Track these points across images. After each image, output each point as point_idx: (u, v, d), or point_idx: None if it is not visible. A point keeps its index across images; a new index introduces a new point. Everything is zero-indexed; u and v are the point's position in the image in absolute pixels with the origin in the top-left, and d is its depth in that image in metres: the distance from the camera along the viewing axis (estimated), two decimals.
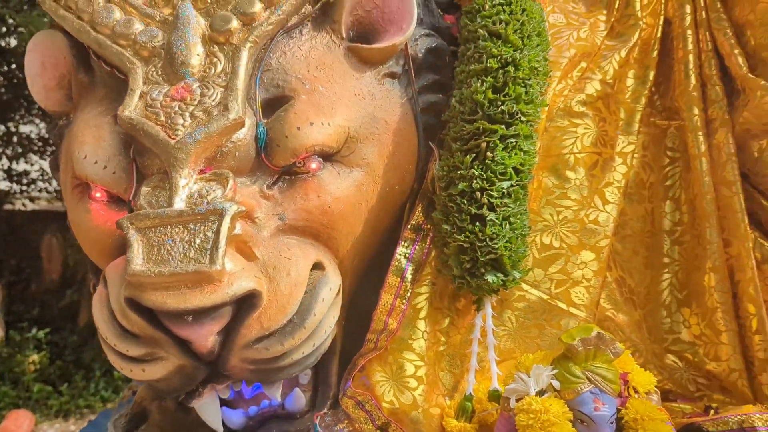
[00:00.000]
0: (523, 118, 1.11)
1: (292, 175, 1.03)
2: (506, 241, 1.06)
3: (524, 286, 1.15)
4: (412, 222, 1.17)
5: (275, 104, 1.04)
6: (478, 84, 1.11)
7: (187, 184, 0.94)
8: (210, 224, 0.90)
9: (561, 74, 1.25)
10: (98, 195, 1.05)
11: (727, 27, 1.21)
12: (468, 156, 1.09)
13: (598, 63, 1.28)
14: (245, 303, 0.92)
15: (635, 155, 1.25)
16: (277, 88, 1.05)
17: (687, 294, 1.21)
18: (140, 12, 1.08)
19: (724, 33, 1.20)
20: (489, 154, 1.08)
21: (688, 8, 1.26)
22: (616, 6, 1.33)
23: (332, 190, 1.04)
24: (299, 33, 1.10)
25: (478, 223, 1.06)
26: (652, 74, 1.28)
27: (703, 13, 1.24)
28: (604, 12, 1.34)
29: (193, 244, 0.89)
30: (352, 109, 1.08)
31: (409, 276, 1.14)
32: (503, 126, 1.10)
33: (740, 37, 1.20)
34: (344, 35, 1.12)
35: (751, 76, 1.15)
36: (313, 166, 1.02)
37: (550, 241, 1.18)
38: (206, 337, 0.89)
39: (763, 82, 1.13)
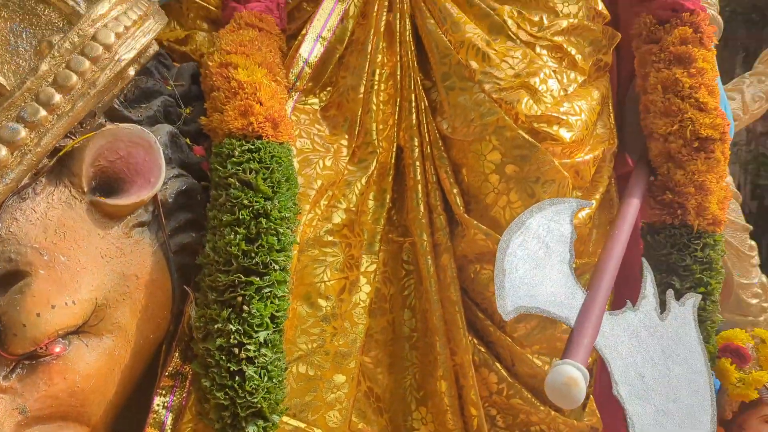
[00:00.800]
0: (276, 267, 1.17)
1: (33, 359, 0.96)
2: (265, 392, 1.12)
3: (284, 417, 1.22)
4: (170, 369, 1.17)
5: (9, 281, 0.96)
6: (232, 236, 1.14)
7: None
8: None
9: (310, 205, 1.34)
10: None
11: (447, 165, 1.39)
12: (225, 310, 1.12)
13: (343, 191, 1.39)
14: None
15: (377, 273, 1.39)
16: (9, 263, 0.96)
17: (424, 394, 1.39)
18: None
19: (445, 170, 1.39)
20: (245, 307, 1.12)
21: (416, 141, 1.42)
22: (356, 132, 1.45)
23: (81, 369, 1.00)
24: (33, 192, 1.02)
25: (237, 378, 1.10)
26: (388, 197, 1.43)
27: (428, 147, 1.41)
28: (346, 137, 1.45)
29: None
30: (100, 274, 1.04)
31: (168, 428, 1.14)
32: (258, 277, 1.14)
33: (457, 174, 1.39)
34: (86, 189, 1.06)
35: (466, 216, 1.35)
36: (57, 349, 0.97)
37: (305, 369, 1.27)
38: None
39: (475, 222, 1.34)
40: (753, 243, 2.17)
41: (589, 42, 1.48)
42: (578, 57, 1.44)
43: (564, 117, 1.32)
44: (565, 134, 1.31)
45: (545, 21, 1.43)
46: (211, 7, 1.55)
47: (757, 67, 2.55)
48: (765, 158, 5.75)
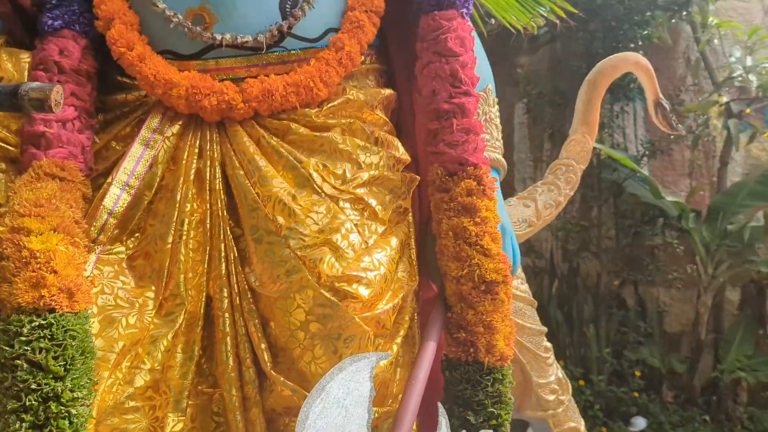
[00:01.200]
0: None
1: None
2: None
3: None
4: None
5: None
6: (17, 425, 1.08)
7: None
8: None
9: (111, 369, 1.30)
10: None
11: (256, 317, 1.42)
12: None
13: (148, 349, 1.36)
14: None
15: (185, 431, 1.37)
16: None
17: None
18: None
19: (254, 324, 1.42)
20: None
21: (225, 291, 1.44)
22: (164, 283, 1.44)
23: None
24: None
25: None
26: (197, 348, 1.42)
27: (238, 299, 1.43)
28: (153, 288, 1.43)
29: None
30: None
31: None
32: None
33: (266, 327, 1.42)
34: None
35: (273, 372, 1.39)
36: None
37: None
38: None
39: (282, 379, 1.37)
40: (548, 344, 2.41)
41: (389, 190, 1.60)
42: (378, 208, 1.55)
43: (363, 274, 1.41)
44: (364, 292, 1.40)
45: (348, 174, 1.53)
46: (10, 147, 1.47)
47: (548, 177, 2.88)
48: (572, 225, 6.43)
